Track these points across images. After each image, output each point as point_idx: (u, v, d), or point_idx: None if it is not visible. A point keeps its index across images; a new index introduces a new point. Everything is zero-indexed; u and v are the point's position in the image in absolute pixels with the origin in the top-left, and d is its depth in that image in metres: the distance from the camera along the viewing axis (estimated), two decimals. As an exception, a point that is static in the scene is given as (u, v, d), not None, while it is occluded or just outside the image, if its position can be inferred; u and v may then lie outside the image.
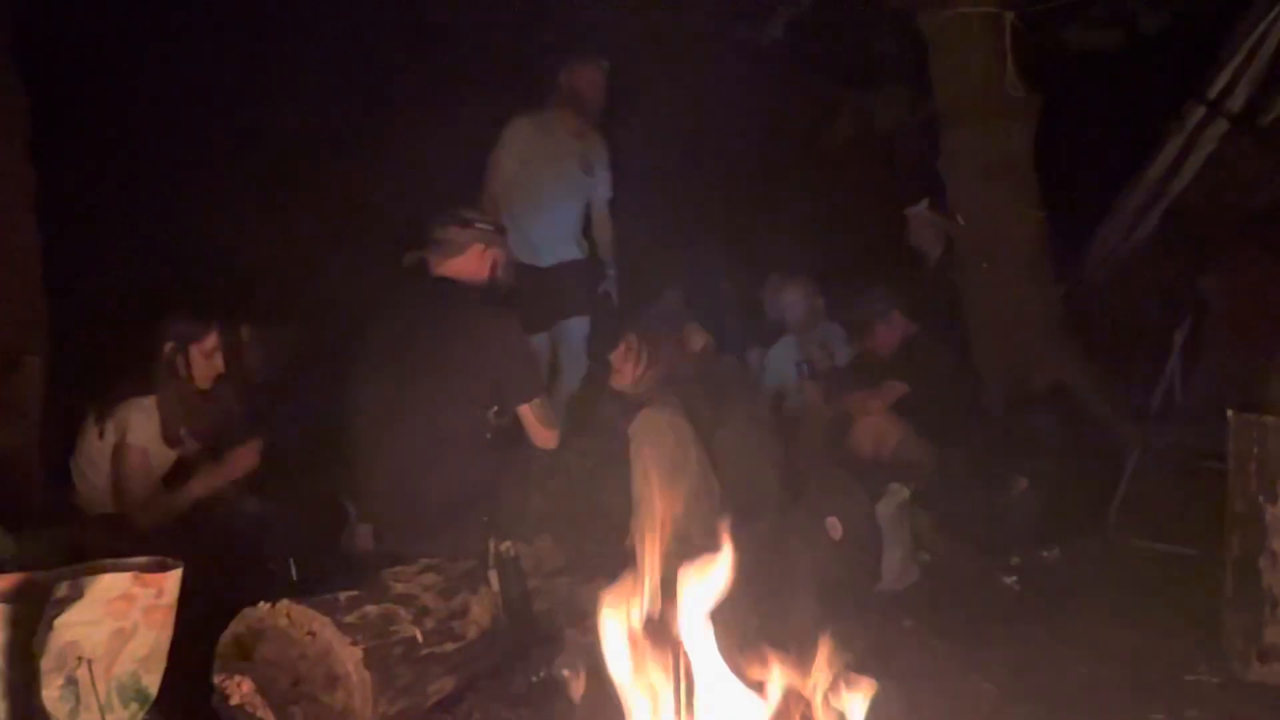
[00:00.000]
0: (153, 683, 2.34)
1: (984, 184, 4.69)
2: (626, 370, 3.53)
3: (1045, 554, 3.71)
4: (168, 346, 3.57)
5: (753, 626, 1.93)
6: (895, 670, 2.72)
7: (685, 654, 1.79)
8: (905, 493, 3.58)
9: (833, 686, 1.79)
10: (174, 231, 5.00)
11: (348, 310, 3.90)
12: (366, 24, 5.54)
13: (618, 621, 1.80)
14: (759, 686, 1.80)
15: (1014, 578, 3.55)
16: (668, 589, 1.86)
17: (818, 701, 1.78)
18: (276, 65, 5.33)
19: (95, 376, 3.75)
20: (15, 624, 2.26)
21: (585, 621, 2.93)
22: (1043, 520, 3.89)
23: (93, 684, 2.17)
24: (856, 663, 1.87)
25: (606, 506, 3.24)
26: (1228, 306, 4.43)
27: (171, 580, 2.32)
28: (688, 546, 2.18)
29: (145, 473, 3.48)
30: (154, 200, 5.07)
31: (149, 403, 3.51)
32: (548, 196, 4.53)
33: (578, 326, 4.62)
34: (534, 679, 2.75)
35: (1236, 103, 4.71)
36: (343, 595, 2.45)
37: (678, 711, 1.77)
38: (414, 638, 2.50)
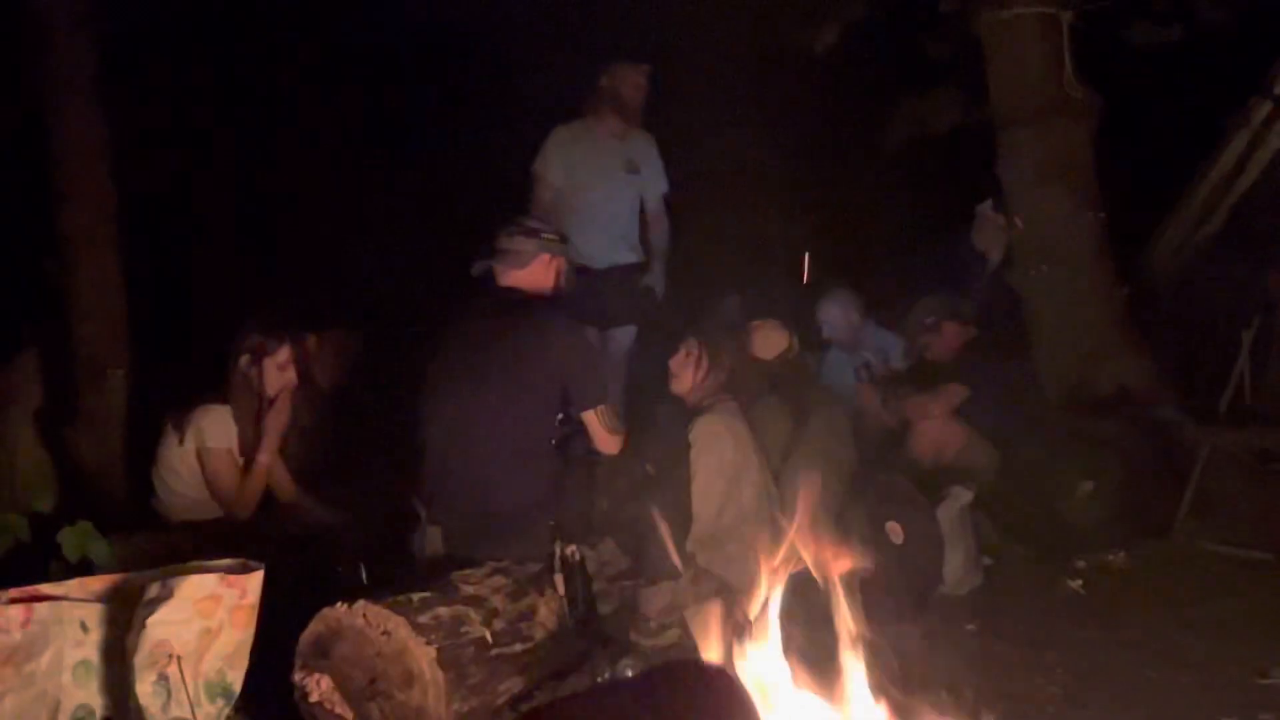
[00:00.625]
0: (237, 679, 2.45)
1: (1042, 185, 4.63)
2: (685, 375, 3.56)
3: (1111, 557, 3.66)
4: (242, 360, 3.69)
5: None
6: (957, 672, 2.75)
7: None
8: (967, 496, 3.56)
9: None
10: (248, 243, 5.18)
11: (417, 318, 4.01)
12: (432, 28, 5.68)
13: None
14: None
15: (1079, 581, 3.51)
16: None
17: None
18: (347, 76, 5.49)
19: (175, 389, 3.90)
20: (110, 623, 2.39)
21: (647, 624, 3.01)
22: (1109, 523, 3.84)
23: (183, 680, 2.29)
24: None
25: (667, 512, 3.28)
26: (1298, 305, 4.34)
27: (254, 581, 2.43)
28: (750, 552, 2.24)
29: (233, 472, 3.62)
30: (230, 214, 5.24)
31: (224, 411, 3.64)
32: (596, 202, 4.56)
33: (623, 335, 4.65)
34: (598, 680, 2.81)
35: (1304, 97, 4.63)
36: (415, 596, 2.52)
37: None
38: (484, 638, 2.57)
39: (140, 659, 2.28)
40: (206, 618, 2.35)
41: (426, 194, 5.49)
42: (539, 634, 2.76)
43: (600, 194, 4.58)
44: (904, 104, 5.62)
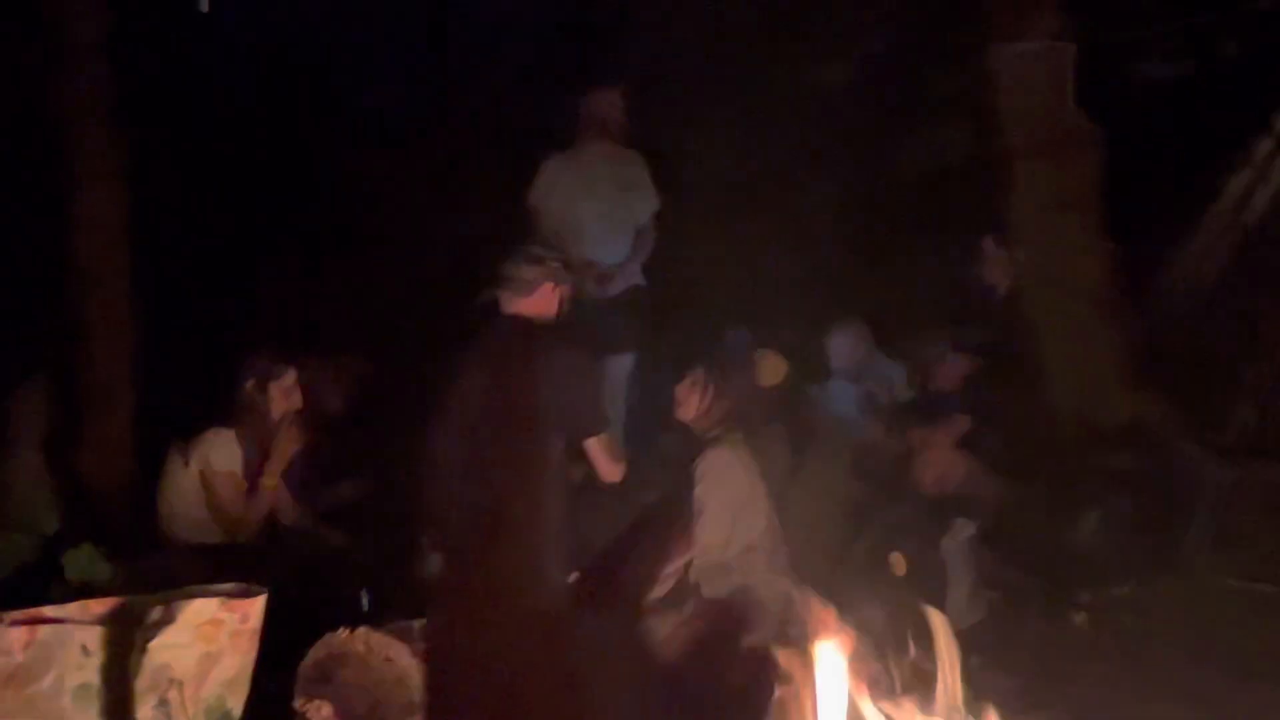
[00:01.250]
0: (237, 705, 2.45)
1: (1051, 217, 4.63)
2: (691, 403, 3.55)
3: (1116, 590, 3.63)
4: (249, 384, 3.72)
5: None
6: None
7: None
8: (971, 528, 3.54)
9: None
10: (255, 269, 5.22)
11: (421, 345, 4.03)
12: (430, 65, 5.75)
13: None
14: None
15: (1084, 615, 3.48)
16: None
17: None
18: (354, 107, 5.56)
19: (182, 413, 3.92)
20: (112, 646, 2.38)
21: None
22: (1116, 557, 3.81)
23: (183, 704, 2.28)
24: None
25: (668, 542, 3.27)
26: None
27: (256, 606, 2.43)
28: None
29: (238, 495, 3.62)
30: (237, 240, 5.29)
31: (229, 434, 3.66)
32: (593, 227, 4.58)
33: (621, 363, 4.64)
34: (601, 709, 2.79)
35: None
36: (417, 623, 2.52)
37: None
38: (485, 666, 2.56)
39: (141, 683, 2.28)
40: (208, 642, 2.35)
41: (426, 220, 5.53)
42: (540, 662, 2.75)
43: (595, 214, 4.60)
44: (919, 134, 5.65)
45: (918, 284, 5.34)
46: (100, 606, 2.46)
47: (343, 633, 2.44)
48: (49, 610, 2.41)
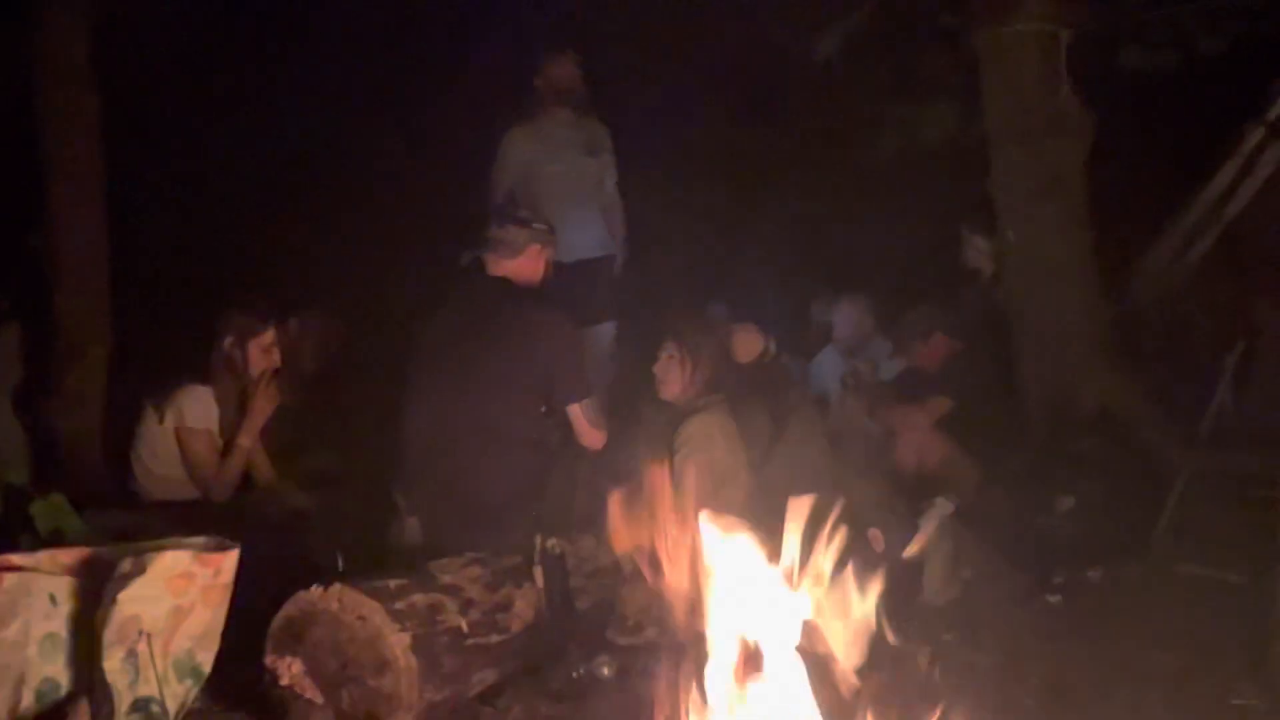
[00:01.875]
0: (206, 660, 2.42)
1: (1034, 203, 4.65)
2: (672, 379, 3.55)
3: (1089, 574, 3.67)
4: (226, 341, 3.67)
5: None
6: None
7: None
8: (948, 508, 3.56)
9: None
10: (232, 227, 5.15)
11: (399, 304, 3.99)
12: (410, 29, 5.67)
13: None
14: None
15: (1057, 596, 3.52)
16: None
17: None
18: (328, 65, 5.48)
19: (156, 369, 3.87)
20: (80, 597, 2.35)
21: (624, 621, 2.99)
22: (1087, 540, 3.85)
23: (151, 658, 2.25)
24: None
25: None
26: (1282, 331, 4.37)
27: (229, 560, 2.40)
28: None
29: (213, 453, 3.58)
30: (214, 197, 5.21)
31: (205, 391, 3.62)
32: (560, 184, 4.56)
33: (603, 331, 4.64)
34: (573, 675, 2.79)
35: (1298, 125, 4.66)
36: (392, 583, 2.50)
37: None
38: (459, 628, 2.55)
39: (109, 634, 2.25)
40: (178, 595, 2.32)
41: (401, 181, 5.48)
42: (515, 626, 2.74)
43: (562, 175, 4.58)
44: (896, 113, 5.64)
45: (902, 265, 5.36)
46: (69, 557, 2.43)
47: (315, 590, 2.41)
48: (17, 558, 2.37)
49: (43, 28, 4.12)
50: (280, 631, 2.44)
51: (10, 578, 2.30)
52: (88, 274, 4.21)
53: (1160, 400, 4.60)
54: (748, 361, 3.84)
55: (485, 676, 2.64)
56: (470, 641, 2.57)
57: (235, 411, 3.65)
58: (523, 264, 3.37)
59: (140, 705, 2.28)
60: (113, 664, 2.25)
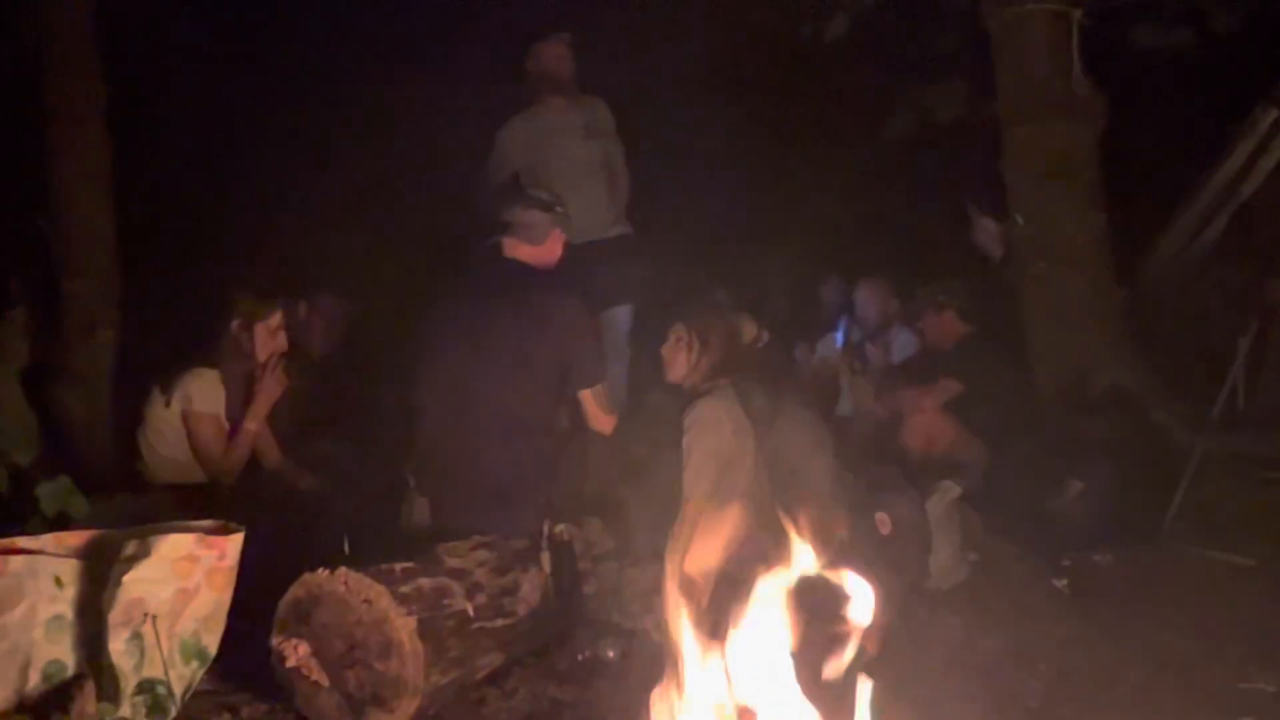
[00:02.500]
0: (212, 643, 2.43)
1: (1045, 184, 4.61)
2: (679, 362, 3.51)
3: (1098, 558, 3.65)
4: (234, 324, 3.66)
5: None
6: (940, 664, 2.74)
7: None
8: (956, 490, 3.54)
9: None
10: (240, 209, 5.14)
11: (408, 287, 3.97)
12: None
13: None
14: None
15: (1065, 580, 3.50)
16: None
17: None
18: (338, 49, 5.46)
19: (164, 352, 3.86)
20: (86, 579, 2.35)
21: (630, 606, 2.99)
22: (1096, 524, 3.83)
23: (157, 639, 2.26)
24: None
25: (657, 494, 3.26)
26: (1296, 313, 4.33)
27: (234, 543, 2.40)
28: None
29: (219, 437, 3.58)
30: (222, 179, 5.21)
31: (212, 374, 3.61)
32: (566, 168, 4.47)
33: (620, 313, 4.60)
34: (579, 658, 2.79)
35: (1312, 105, 4.60)
36: (398, 566, 2.50)
37: None
38: (465, 611, 2.55)
39: (115, 616, 2.25)
40: (183, 578, 2.32)
41: (413, 162, 5.46)
42: (521, 610, 2.75)
43: (568, 159, 4.50)
44: (908, 94, 5.59)
45: (915, 246, 5.33)
46: (75, 539, 2.43)
47: (322, 573, 2.41)
48: (23, 541, 2.37)
49: (47, 4, 4.10)
50: (287, 614, 2.44)
51: (16, 560, 2.30)
52: (96, 256, 4.19)
53: (1172, 383, 4.58)
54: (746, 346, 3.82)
55: (491, 660, 2.64)
56: (476, 625, 2.57)
57: (243, 395, 3.64)
58: (544, 247, 3.35)
59: (145, 687, 2.29)
60: (118, 646, 2.26)
